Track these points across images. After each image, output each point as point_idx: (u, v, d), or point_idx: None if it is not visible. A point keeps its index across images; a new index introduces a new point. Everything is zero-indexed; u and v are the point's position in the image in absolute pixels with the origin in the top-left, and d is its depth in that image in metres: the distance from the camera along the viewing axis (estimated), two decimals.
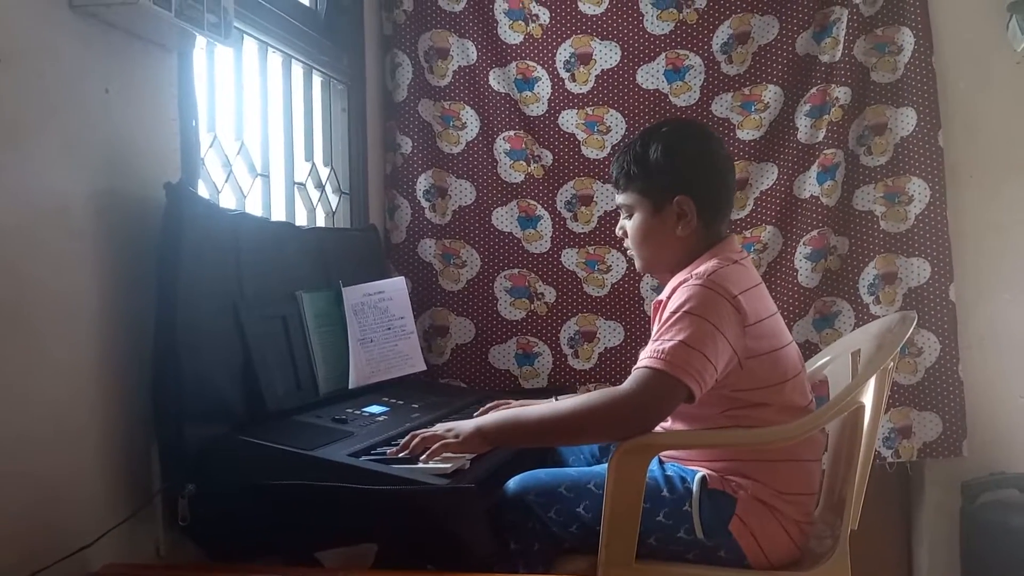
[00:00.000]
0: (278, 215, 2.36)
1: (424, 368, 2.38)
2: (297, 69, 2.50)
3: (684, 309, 1.69)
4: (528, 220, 2.81)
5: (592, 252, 2.78)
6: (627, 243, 1.94)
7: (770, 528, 1.74)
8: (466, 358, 2.81)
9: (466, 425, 1.72)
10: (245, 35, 2.18)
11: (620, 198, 1.93)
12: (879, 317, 2.57)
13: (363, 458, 1.64)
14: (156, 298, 1.68)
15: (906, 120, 2.63)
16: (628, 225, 1.91)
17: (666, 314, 1.73)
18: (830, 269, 2.66)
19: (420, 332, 2.73)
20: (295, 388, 1.99)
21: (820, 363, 2.12)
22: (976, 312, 2.60)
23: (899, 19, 2.64)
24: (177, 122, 1.85)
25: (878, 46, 2.66)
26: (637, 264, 1.95)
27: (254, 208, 2.24)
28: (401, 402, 2.14)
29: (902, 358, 2.57)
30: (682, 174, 1.85)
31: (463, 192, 2.82)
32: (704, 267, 1.77)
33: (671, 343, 1.66)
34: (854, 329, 2.60)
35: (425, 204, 2.80)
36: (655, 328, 1.76)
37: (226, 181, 2.08)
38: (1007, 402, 2.59)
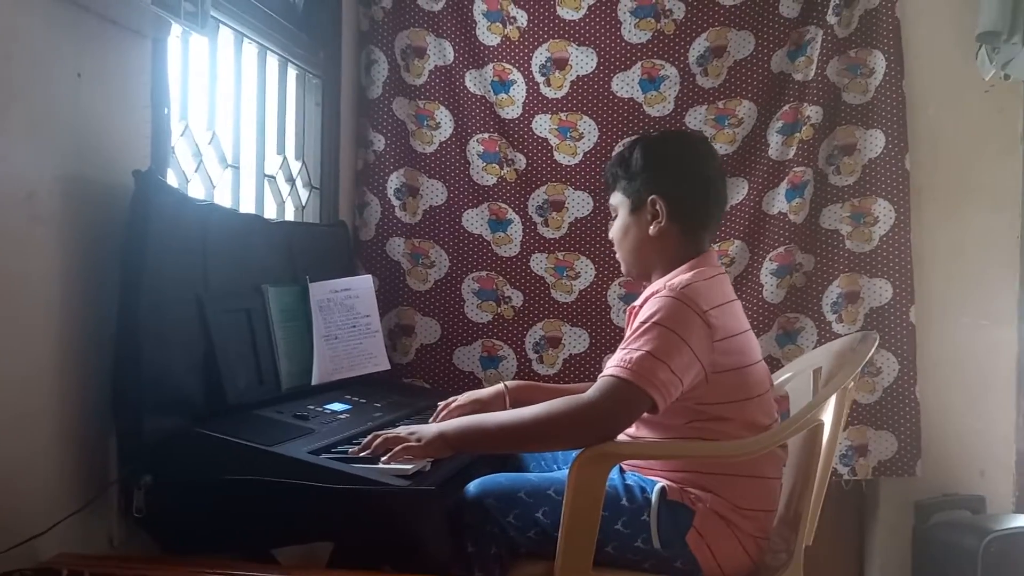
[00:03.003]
0: (247, 207, 2.35)
1: (388, 367, 2.37)
2: (272, 61, 2.48)
3: (654, 320, 1.70)
4: (498, 223, 2.81)
5: (561, 258, 2.79)
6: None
7: (727, 542, 1.75)
8: (431, 358, 2.80)
9: (429, 429, 1.72)
10: (221, 24, 2.16)
11: (611, 199, 1.97)
12: (841, 335, 2.60)
13: (323, 456, 1.63)
14: (120, 286, 1.66)
15: (875, 142, 2.67)
16: (614, 225, 1.94)
17: (636, 323, 1.74)
18: (795, 286, 2.69)
19: (385, 331, 2.72)
20: (257, 382, 1.98)
21: (782, 379, 2.14)
22: (935, 334, 2.64)
23: (872, 42, 2.68)
24: (149, 110, 1.83)
25: (851, 67, 2.69)
26: (622, 266, 1.97)
27: (223, 199, 2.22)
28: (363, 400, 2.14)
29: (861, 377, 2.60)
30: (656, 174, 1.88)
31: (434, 192, 2.81)
32: (679, 279, 1.78)
33: (638, 353, 1.67)
34: (816, 346, 2.64)
35: (395, 202, 2.80)
36: (626, 336, 1.78)
37: (196, 171, 2.05)
38: (961, 425, 2.63)
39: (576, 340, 2.78)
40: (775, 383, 2.11)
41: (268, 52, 2.43)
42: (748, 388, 1.80)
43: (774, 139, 2.70)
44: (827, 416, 1.73)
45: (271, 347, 2.06)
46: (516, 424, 1.71)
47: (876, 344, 1.89)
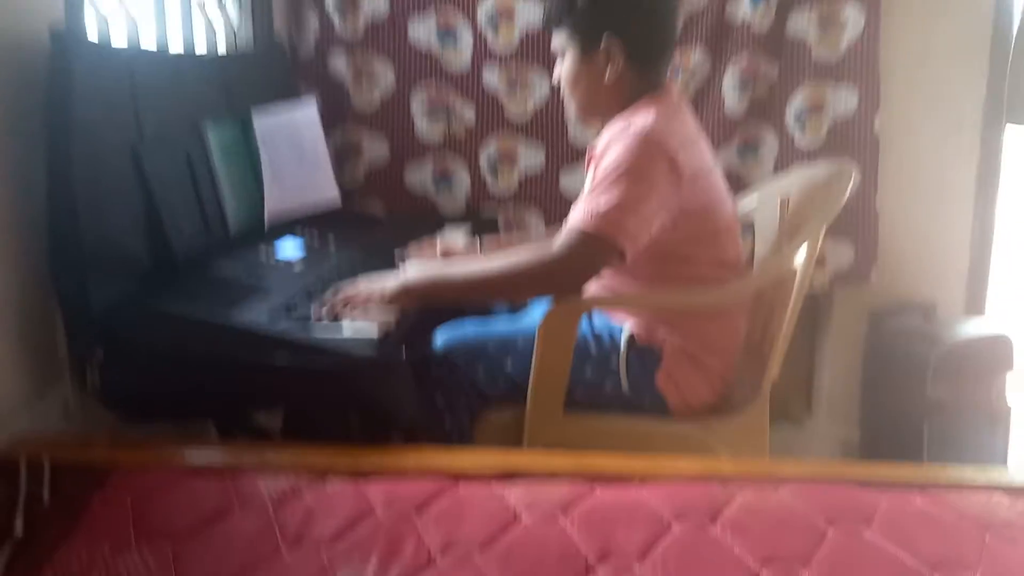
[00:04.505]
0: (174, 36, 2.15)
1: (339, 202, 2.27)
2: None
3: (618, 166, 1.63)
4: (447, 34, 2.63)
5: (514, 72, 2.64)
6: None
7: (694, 379, 1.76)
8: (381, 181, 2.69)
9: (391, 282, 1.66)
10: None
11: (553, 40, 1.81)
12: (803, 149, 2.55)
13: (283, 323, 1.56)
14: (47, 148, 1.54)
15: None
16: (561, 70, 1.81)
17: (600, 170, 1.66)
18: (757, 97, 2.59)
19: (331, 151, 2.59)
20: (204, 231, 1.89)
21: (748, 208, 2.09)
22: (897, 143, 2.58)
23: None
24: None
25: None
26: (571, 113, 1.85)
27: (148, 31, 2.02)
28: (318, 241, 2.06)
29: None
30: (607, 9, 1.73)
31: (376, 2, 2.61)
32: (642, 119, 1.68)
33: (604, 203, 1.61)
34: (778, 159, 2.58)
35: (335, 15, 2.59)
36: (588, 180, 1.70)
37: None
38: (918, 232, 2.62)
39: (532, 157, 2.68)
40: (740, 212, 2.08)
41: None
42: (715, 226, 1.76)
43: None
44: (799, 260, 1.70)
45: (215, 190, 1.96)
46: (483, 276, 1.66)
47: (852, 180, 1.83)
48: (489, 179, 2.69)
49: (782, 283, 1.76)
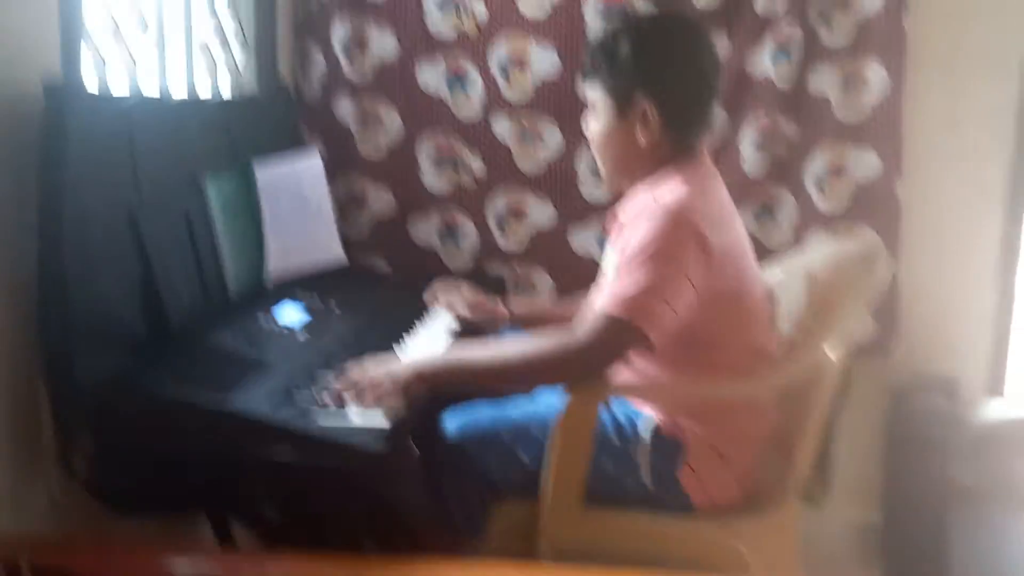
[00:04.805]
0: (177, 81, 2.04)
1: (344, 258, 2.17)
2: None
3: (646, 247, 1.54)
4: (457, 81, 2.54)
5: (526, 123, 2.54)
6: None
7: (720, 475, 1.66)
8: (386, 234, 2.58)
9: (404, 368, 1.55)
10: None
11: (587, 92, 1.72)
12: (823, 212, 2.46)
13: (285, 409, 1.44)
14: (39, 210, 1.43)
15: None
16: (592, 126, 1.72)
17: (628, 250, 1.57)
18: (777, 157, 2.50)
19: (335, 201, 2.49)
20: (202, 295, 1.78)
21: (771, 280, 1.99)
22: (919, 210, 2.49)
23: None
24: None
25: None
26: (602, 172, 1.76)
27: (148, 75, 1.92)
28: (322, 305, 1.94)
29: None
30: (645, 70, 1.65)
31: (385, 44, 2.51)
32: (671, 193, 1.59)
33: (632, 287, 1.52)
34: (798, 222, 2.49)
35: (342, 56, 2.49)
36: (611, 249, 1.60)
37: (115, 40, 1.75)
38: (940, 303, 2.53)
39: (541, 213, 2.58)
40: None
41: None
42: (746, 311, 1.67)
43: None
44: (832, 352, 1.60)
45: (215, 250, 1.85)
46: (503, 362, 1.56)
47: (884, 259, 1.74)
48: (497, 234, 2.59)
49: (817, 376, 1.66)
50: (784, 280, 1.97)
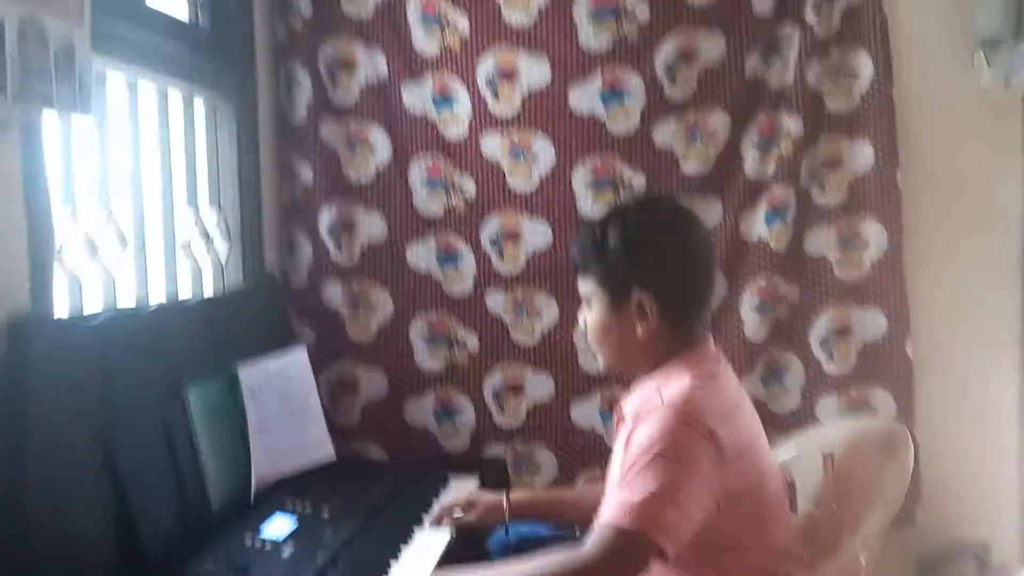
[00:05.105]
0: (156, 280, 1.99)
1: (333, 458, 2.07)
2: (176, 96, 2.10)
3: (651, 447, 1.43)
4: (448, 258, 2.49)
5: (520, 296, 2.48)
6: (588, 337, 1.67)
7: None
8: (379, 417, 2.49)
9: None
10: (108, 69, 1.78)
11: (580, 284, 1.65)
12: (832, 375, 2.38)
13: None
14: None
15: (863, 155, 2.39)
16: (587, 319, 1.64)
17: (633, 452, 1.46)
18: (779, 320, 2.43)
19: (325, 388, 2.41)
20: (181, 515, 1.67)
21: (785, 458, 1.89)
22: (931, 368, 2.41)
23: (857, 42, 2.37)
24: (23, 204, 1.46)
25: (833, 70, 2.39)
26: (601, 362, 1.68)
27: (126, 278, 1.86)
28: (310, 511, 1.83)
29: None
30: (637, 262, 1.57)
31: (373, 226, 2.48)
32: (677, 388, 1.50)
33: (639, 493, 1.40)
34: (805, 386, 2.40)
35: (329, 242, 2.45)
36: (618, 446, 1.50)
37: (92, 259, 1.70)
38: (962, 465, 2.41)
39: (540, 387, 2.49)
40: (776, 458, 1.88)
41: (169, 87, 2.05)
42: (765, 509, 1.55)
43: (750, 154, 2.40)
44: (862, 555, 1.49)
45: (196, 463, 1.75)
46: None
47: (907, 446, 1.64)
48: (495, 411, 2.49)
49: None
50: (799, 456, 1.87)
